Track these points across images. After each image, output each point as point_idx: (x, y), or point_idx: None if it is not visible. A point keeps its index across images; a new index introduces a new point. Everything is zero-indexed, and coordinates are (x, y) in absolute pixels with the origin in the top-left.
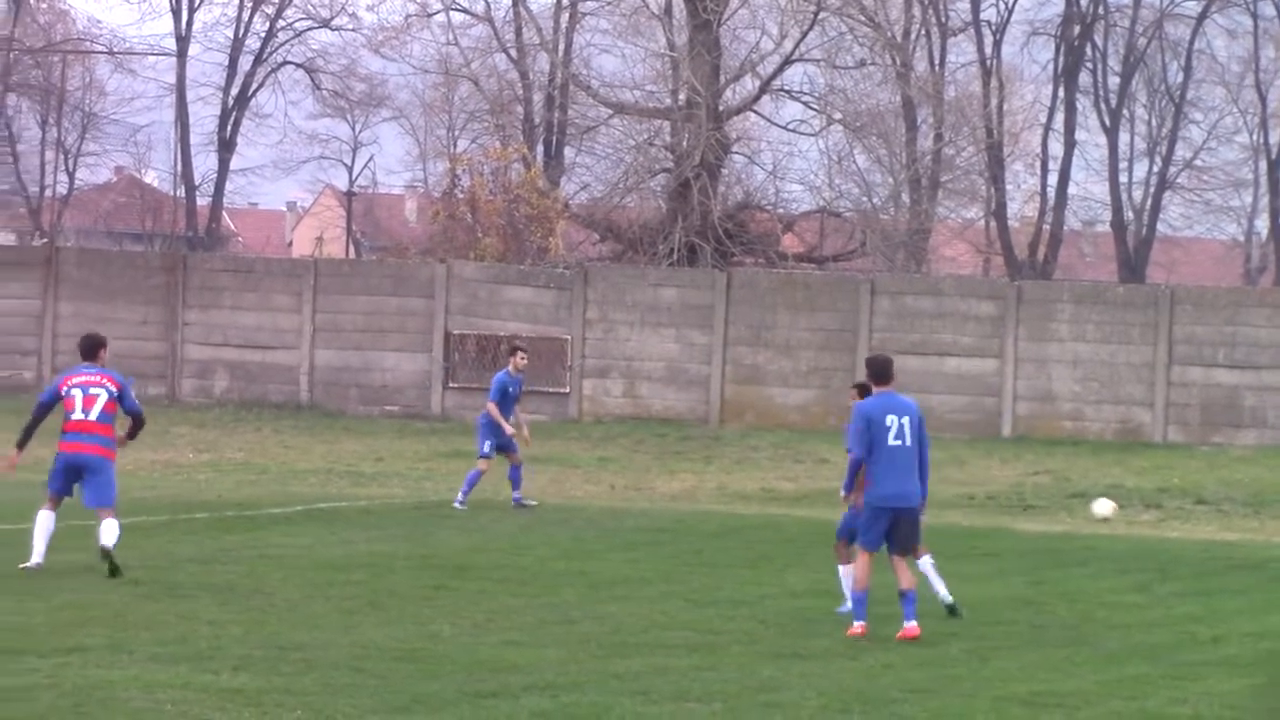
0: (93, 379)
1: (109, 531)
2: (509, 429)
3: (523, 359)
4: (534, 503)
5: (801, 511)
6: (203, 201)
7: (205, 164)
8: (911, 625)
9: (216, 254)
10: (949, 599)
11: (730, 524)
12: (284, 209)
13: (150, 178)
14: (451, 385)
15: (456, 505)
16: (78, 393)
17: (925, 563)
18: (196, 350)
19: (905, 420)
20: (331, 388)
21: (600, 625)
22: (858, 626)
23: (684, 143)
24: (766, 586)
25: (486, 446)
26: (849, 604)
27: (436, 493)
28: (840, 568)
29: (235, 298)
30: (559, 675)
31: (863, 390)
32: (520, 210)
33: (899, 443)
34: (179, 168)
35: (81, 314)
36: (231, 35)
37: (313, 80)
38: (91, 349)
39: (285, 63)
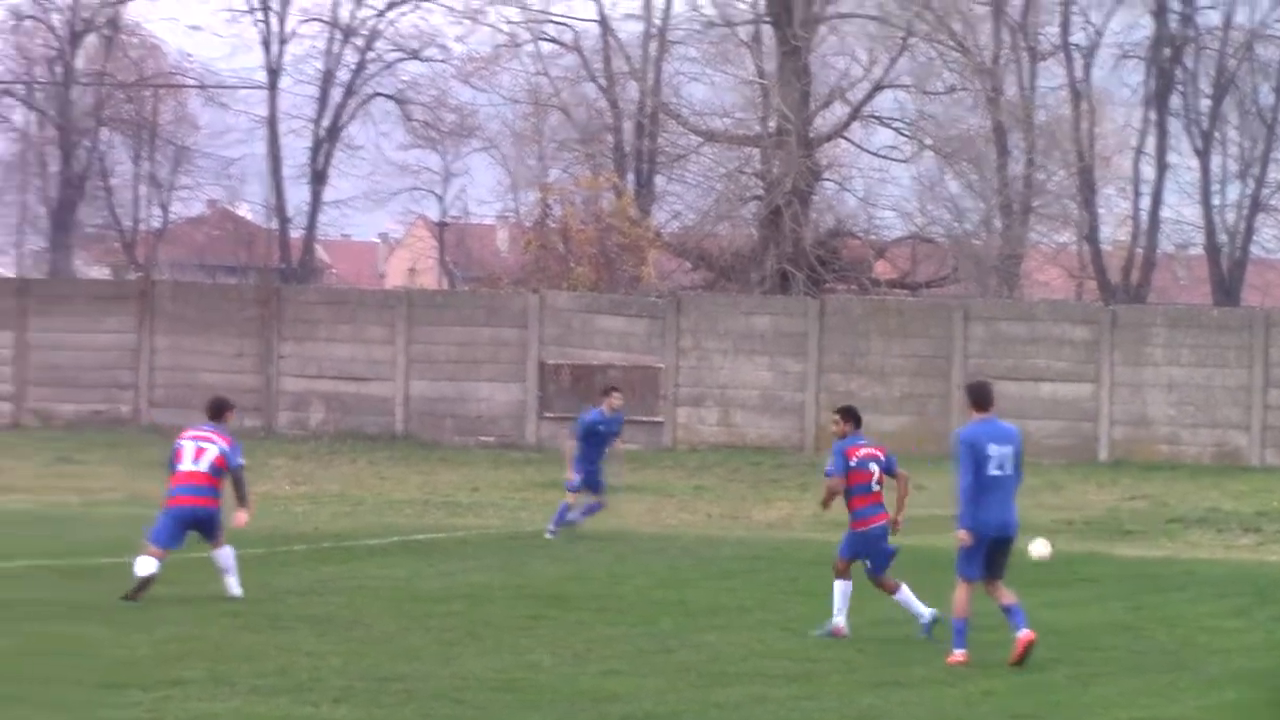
0: (205, 434)
1: (231, 570)
2: (572, 475)
3: (618, 399)
4: (552, 535)
5: (896, 539)
6: (296, 234)
7: (298, 196)
8: (1026, 633)
9: (310, 286)
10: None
11: (826, 552)
12: (376, 240)
13: (243, 210)
14: (546, 415)
15: (548, 534)
16: (189, 444)
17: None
18: (292, 382)
19: (1008, 449)
20: (426, 418)
21: (698, 654)
22: (959, 654)
23: (774, 170)
24: (863, 614)
25: (576, 479)
26: (835, 622)
27: (532, 523)
28: (837, 583)
29: (330, 329)
30: (658, 704)
31: (845, 416)
32: (612, 239)
33: (1000, 472)
34: (272, 200)
35: (177, 347)
36: (322, 68)
37: (403, 111)
38: (218, 411)
39: (375, 94)
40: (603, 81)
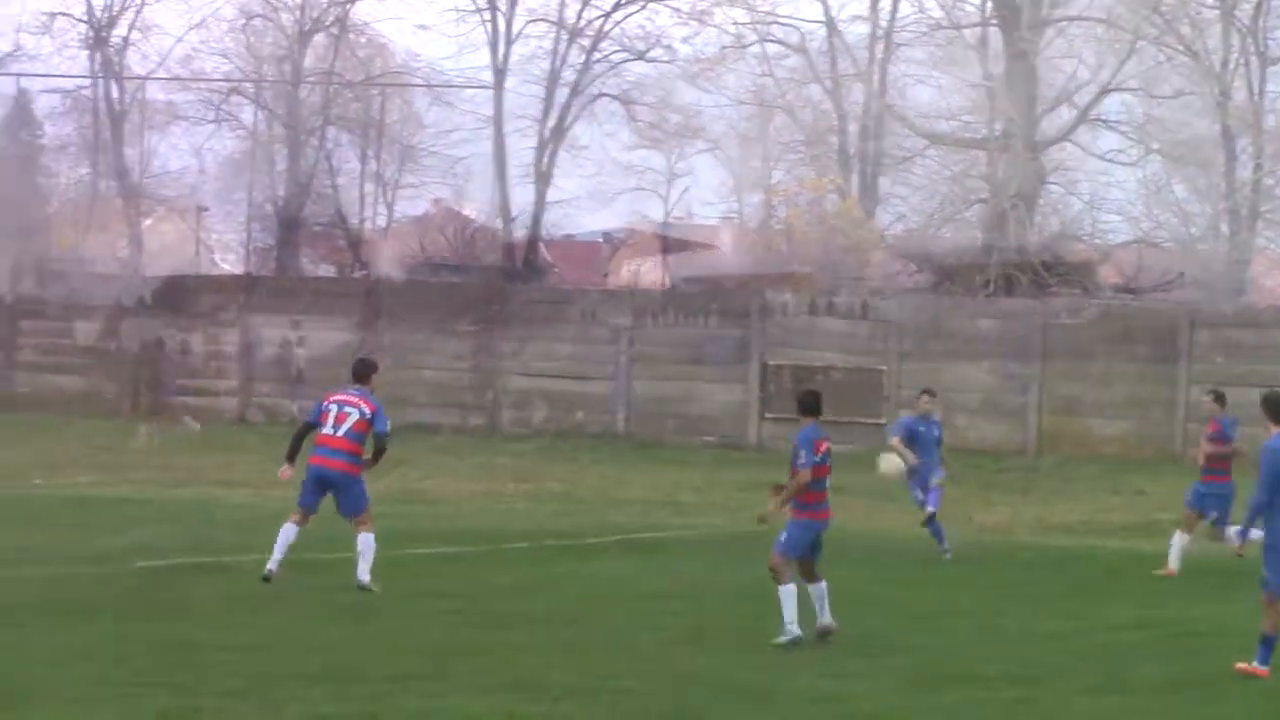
0: (350, 399)
1: (365, 556)
2: (910, 458)
3: (926, 402)
4: (946, 553)
5: (1119, 543)
6: (520, 233)
7: (522, 196)
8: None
9: (534, 285)
10: None
11: (1048, 555)
12: (600, 240)
13: (468, 210)
14: (767, 416)
15: (945, 555)
16: (333, 408)
17: None
18: (515, 381)
19: None
20: (649, 418)
21: (915, 656)
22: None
23: (1000, 173)
24: (1084, 619)
25: (919, 494)
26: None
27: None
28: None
29: (553, 329)
30: (876, 706)
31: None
32: (836, 241)
33: None
34: (497, 200)
35: (401, 344)
36: (547, 67)
37: (628, 112)
38: (363, 373)
39: (601, 94)
40: (828, 83)
